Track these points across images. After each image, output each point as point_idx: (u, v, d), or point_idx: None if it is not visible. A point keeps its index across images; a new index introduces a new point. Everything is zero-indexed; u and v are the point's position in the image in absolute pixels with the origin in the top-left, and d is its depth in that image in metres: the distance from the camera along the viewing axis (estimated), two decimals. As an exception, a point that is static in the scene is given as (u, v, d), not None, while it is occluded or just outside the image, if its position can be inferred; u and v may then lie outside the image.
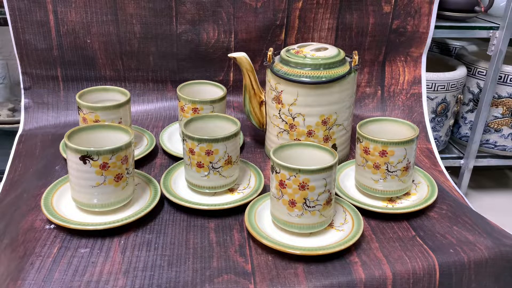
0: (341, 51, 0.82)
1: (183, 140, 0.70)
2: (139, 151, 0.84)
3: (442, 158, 1.05)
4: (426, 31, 1.08)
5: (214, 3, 1.00)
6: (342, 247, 0.60)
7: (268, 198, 0.71)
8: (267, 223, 0.67)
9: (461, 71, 1.21)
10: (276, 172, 0.61)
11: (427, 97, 1.15)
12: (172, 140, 0.91)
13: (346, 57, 0.82)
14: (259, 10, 1.02)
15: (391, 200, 0.74)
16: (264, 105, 0.86)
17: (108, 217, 0.65)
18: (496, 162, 1.33)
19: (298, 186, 0.60)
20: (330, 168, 0.60)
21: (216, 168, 0.70)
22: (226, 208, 0.69)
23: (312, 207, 0.62)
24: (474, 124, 1.25)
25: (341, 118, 0.81)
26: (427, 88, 1.16)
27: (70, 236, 0.63)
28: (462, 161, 1.30)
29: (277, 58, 0.83)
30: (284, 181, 0.61)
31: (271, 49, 0.83)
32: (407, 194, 0.75)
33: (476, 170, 1.34)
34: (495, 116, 1.26)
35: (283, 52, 0.82)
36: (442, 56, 1.35)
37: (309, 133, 0.80)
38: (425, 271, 0.60)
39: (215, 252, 0.62)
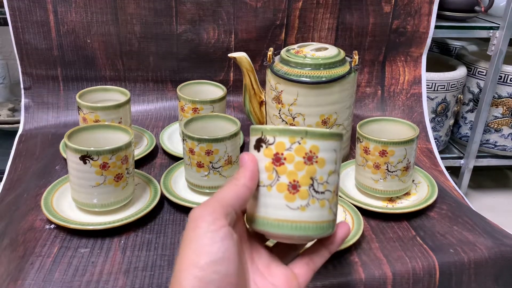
0: (341, 51, 0.82)
1: (183, 140, 0.70)
2: (139, 151, 0.84)
3: (442, 158, 1.05)
4: (426, 31, 1.08)
5: (214, 3, 1.00)
6: (342, 247, 0.60)
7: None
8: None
9: (461, 71, 1.21)
10: None
11: (427, 97, 1.15)
12: (172, 140, 0.91)
13: (346, 57, 0.82)
14: (259, 10, 1.02)
15: (391, 200, 0.74)
16: (264, 105, 0.86)
17: (108, 217, 0.65)
18: (496, 162, 1.33)
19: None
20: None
21: (216, 168, 0.69)
22: (226, 208, 0.68)
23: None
24: (474, 124, 1.25)
25: (341, 118, 0.81)
26: (427, 88, 1.16)
27: (70, 236, 0.63)
28: (462, 161, 1.30)
29: (277, 58, 0.83)
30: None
31: (271, 49, 0.83)
32: (407, 194, 0.75)
33: (476, 170, 1.34)
34: (495, 116, 1.26)
35: (283, 52, 0.82)
36: (442, 56, 1.35)
37: (309, 133, 0.80)
38: (425, 271, 0.60)
39: (215, 252, 0.62)
